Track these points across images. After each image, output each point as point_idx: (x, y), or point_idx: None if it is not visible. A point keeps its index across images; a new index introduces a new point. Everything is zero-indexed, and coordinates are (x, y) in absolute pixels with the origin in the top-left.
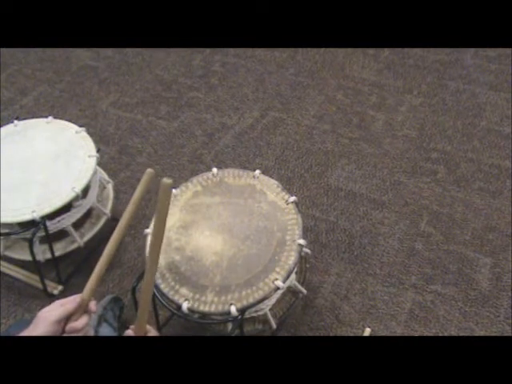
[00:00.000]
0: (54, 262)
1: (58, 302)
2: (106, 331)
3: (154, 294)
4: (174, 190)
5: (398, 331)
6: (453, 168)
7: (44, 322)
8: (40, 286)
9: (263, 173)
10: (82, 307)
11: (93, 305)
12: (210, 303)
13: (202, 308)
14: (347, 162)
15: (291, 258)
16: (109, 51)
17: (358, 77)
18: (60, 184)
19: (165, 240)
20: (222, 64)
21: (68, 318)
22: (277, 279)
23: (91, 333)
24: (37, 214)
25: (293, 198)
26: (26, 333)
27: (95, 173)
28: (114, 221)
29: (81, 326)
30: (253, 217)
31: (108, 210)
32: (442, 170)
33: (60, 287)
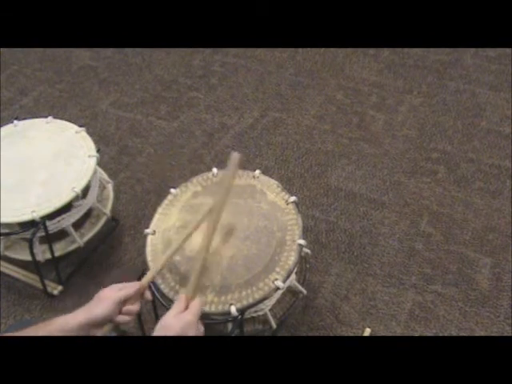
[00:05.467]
0: (54, 261)
1: (117, 286)
2: None
3: (154, 294)
4: (173, 190)
5: (398, 331)
6: (453, 168)
7: (108, 300)
8: (40, 286)
9: (263, 173)
10: (139, 293)
11: (148, 293)
12: (210, 303)
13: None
14: (347, 162)
15: (291, 258)
16: (109, 51)
17: (358, 77)
18: (60, 184)
19: (165, 240)
20: (222, 64)
21: (125, 301)
22: (277, 279)
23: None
24: (37, 214)
25: (293, 198)
26: (85, 309)
27: (95, 173)
28: (113, 221)
29: (136, 310)
30: (253, 217)
31: (108, 210)
32: (442, 169)
33: (60, 287)
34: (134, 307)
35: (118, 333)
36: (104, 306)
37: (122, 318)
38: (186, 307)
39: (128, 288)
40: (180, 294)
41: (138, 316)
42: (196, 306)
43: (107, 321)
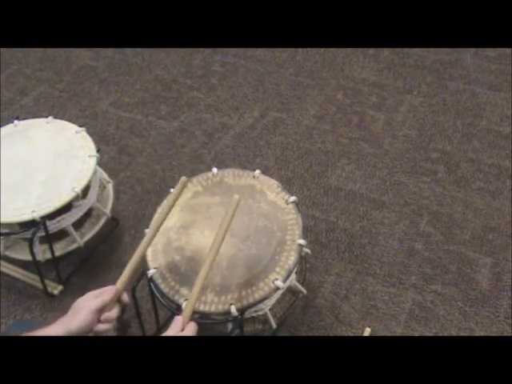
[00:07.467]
0: (54, 261)
1: (92, 293)
2: None
3: (154, 294)
4: (173, 190)
5: (398, 331)
6: (453, 168)
7: (85, 310)
8: (40, 286)
9: (263, 173)
10: (116, 298)
11: (125, 296)
12: (210, 303)
13: (202, 308)
14: (347, 162)
15: (291, 258)
16: (109, 51)
17: (358, 77)
18: (60, 184)
19: (165, 240)
20: (222, 64)
21: (102, 309)
22: (277, 279)
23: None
24: (37, 214)
25: (293, 198)
26: (62, 322)
27: (95, 173)
28: (113, 221)
29: (115, 315)
30: (253, 217)
31: (108, 210)
32: (442, 169)
33: (60, 287)
34: (112, 313)
35: (117, 330)
36: (81, 317)
37: (101, 327)
38: (182, 329)
39: (104, 295)
40: (177, 317)
41: (138, 316)
42: (192, 328)
43: (86, 332)
